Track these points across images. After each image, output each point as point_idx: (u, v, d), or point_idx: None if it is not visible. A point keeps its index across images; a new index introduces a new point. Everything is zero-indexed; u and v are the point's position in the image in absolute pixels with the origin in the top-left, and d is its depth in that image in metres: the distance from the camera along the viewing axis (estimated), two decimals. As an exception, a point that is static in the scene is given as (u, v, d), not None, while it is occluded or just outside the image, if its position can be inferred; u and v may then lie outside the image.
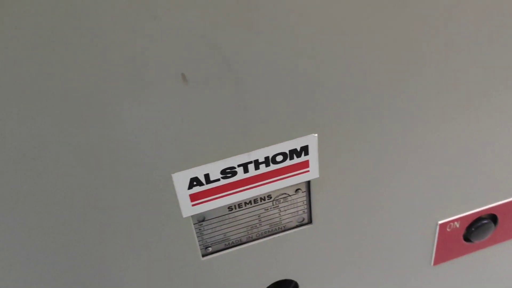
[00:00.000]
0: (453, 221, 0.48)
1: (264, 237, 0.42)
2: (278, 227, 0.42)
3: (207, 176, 0.36)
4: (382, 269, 0.50)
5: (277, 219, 0.41)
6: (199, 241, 0.40)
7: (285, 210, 0.41)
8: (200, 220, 0.39)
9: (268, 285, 0.45)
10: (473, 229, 0.50)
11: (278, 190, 0.40)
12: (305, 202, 0.41)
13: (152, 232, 0.38)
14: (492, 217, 0.51)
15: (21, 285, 0.37)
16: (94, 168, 0.33)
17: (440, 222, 0.48)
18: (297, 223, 0.42)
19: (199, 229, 0.39)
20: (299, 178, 0.39)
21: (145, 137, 0.33)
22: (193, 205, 0.37)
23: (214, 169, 0.36)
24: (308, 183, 0.40)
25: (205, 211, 0.38)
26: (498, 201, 0.49)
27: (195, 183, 0.36)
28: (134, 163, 0.34)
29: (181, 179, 0.35)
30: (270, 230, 0.42)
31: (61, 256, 0.37)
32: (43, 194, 0.33)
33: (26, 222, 0.34)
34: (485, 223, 0.50)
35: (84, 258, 0.37)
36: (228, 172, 0.36)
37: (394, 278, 0.51)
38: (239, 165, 0.36)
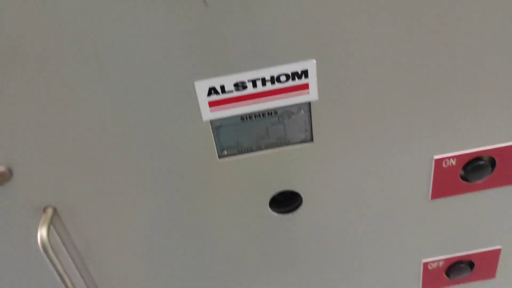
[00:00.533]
0: (448, 157, 0.53)
1: (271, 148, 0.50)
2: (284, 141, 0.50)
3: (222, 87, 0.45)
4: (379, 195, 0.56)
5: (282, 134, 0.49)
6: (216, 144, 0.49)
7: (289, 126, 0.49)
8: (218, 126, 0.48)
9: (274, 193, 0.54)
10: (469, 168, 0.54)
11: (283, 107, 0.48)
12: (306, 121, 0.49)
13: (178, 133, 0.48)
14: (491, 160, 0.55)
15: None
16: (136, 77, 0.43)
17: (436, 157, 0.53)
18: (300, 140, 0.50)
19: (217, 134, 0.49)
20: (300, 99, 0.47)
21: (173, 50, 0.42)
22: (211, 111, 0.46)
23: (228, 81, 0.45)
24: (309, 104, 0.47)
25: (221, 118, 0.47)
26: (496, 143, 0.53)
27: (213, 91, 0.45)
28: (164, 72, 0.43)
29: (201, 87, 0.45)
30: (276, 142, 0.50)
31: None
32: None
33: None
34: (482, 164, 0.54)
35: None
36: (239, 85, 0.45)
37: (391, 207, 0.57)
38: (249, 80, 0.45)
